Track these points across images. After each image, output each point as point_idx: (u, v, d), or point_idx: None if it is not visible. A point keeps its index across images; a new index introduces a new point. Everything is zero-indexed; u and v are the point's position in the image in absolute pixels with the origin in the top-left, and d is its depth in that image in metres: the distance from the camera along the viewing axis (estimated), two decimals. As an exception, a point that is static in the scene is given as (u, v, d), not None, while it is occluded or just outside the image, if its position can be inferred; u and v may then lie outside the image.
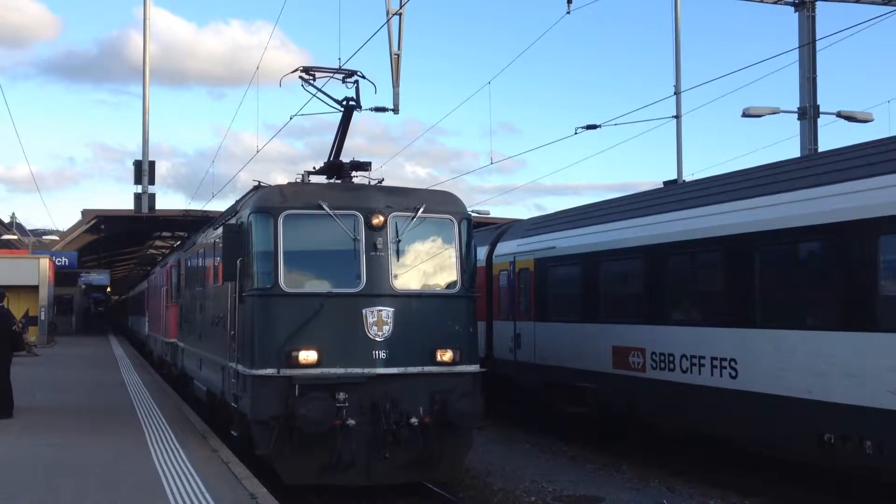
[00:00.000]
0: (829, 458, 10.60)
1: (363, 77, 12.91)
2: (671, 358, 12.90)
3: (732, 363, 11.69)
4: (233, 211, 13.05)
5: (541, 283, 17.10)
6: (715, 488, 12.07)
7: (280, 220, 11.05)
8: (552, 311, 16.68)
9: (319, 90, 12.98)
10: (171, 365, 23.03)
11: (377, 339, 10.86)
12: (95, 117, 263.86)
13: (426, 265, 11.60)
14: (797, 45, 19.29)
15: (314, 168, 12.98)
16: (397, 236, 11.29)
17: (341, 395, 10.56)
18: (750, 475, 12.73)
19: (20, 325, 17.17)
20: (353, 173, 12.57)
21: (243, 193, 13.62)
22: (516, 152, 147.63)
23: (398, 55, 15.35)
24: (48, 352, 36.28)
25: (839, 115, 20.44)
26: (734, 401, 11.61)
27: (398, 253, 11.30)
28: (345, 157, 12.79)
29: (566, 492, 11.81)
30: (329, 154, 12.97)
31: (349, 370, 10.73)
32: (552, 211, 20.02)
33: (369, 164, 12.73)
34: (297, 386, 10.47)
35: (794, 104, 19.96)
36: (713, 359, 12.04)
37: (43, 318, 42.10)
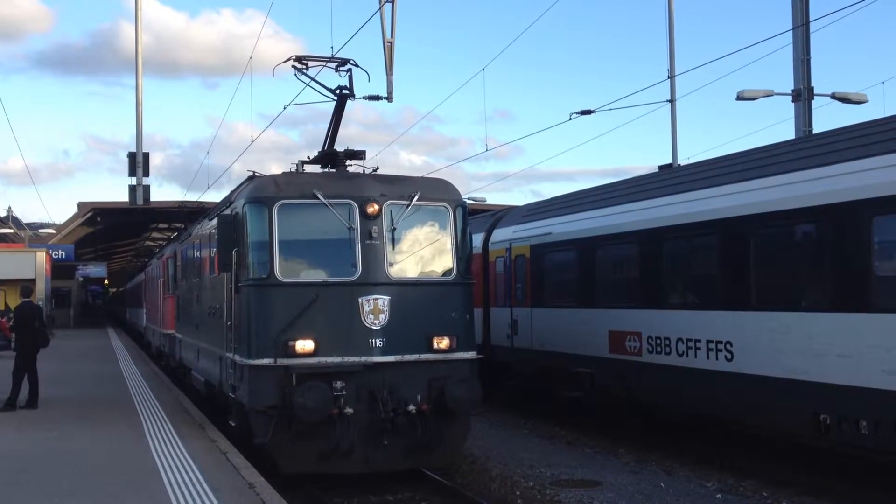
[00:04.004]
0: (825, 439, 10.63)
1: (356, 65, 12.92)
2: (667, 342, 12.93)
3: (728, 346, 11.72)
4: (227, 201, 13.05)
5: (537, 269, 17.11)
6: (712, 471, 12.12)
7: (275, 210, 11.06)
8: (549, 297, 16.69)
9: (313, 79, 12.99)
10: (168, 356, 23.06)
11: (374, 327, 10.88)
12: (89, 109, 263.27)
13: (422, 253, 11.61)
14: (791, 27, 19.21)
15: (309, 157, 12.99)
16: (392, 224, 11.30)
17: (338, 384, 10.60)
18: (746, 458, 12.78)
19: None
20: (348, 162, 12.58)
21: (238, 184, 13.62)
22: (512, 139, 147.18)
23: (391, 42, 15.26)
24: (46, 345, 36.22)
25: (833, 96, 20.37)
26: (730, 383, 11.64)
27: (393, 241, 11.31)
28: (339, 146, 12.81)
29: (564, 476, 11.85)
30: (323, 143, 12.97)
31: (346, 359, 10.75)
32: (548, 197, 20.01)
33: (364, 152, 12.75)
34: (294, 375, 10.50)
35: (789, 86, 19.82)
36: (709, 342, 12.07)
37: (40, 311, 41.99)
